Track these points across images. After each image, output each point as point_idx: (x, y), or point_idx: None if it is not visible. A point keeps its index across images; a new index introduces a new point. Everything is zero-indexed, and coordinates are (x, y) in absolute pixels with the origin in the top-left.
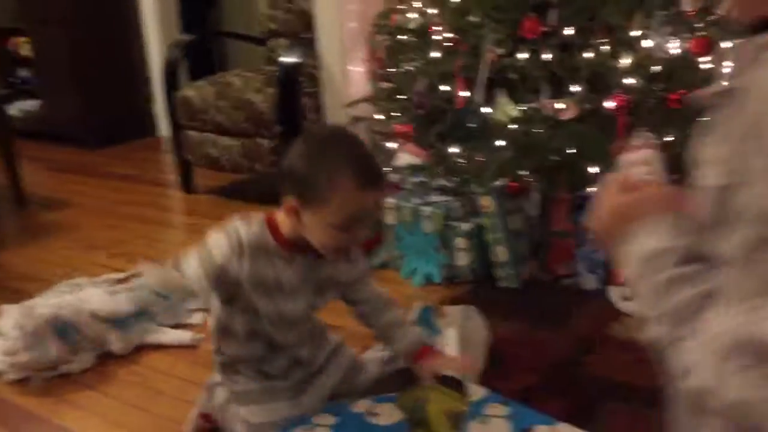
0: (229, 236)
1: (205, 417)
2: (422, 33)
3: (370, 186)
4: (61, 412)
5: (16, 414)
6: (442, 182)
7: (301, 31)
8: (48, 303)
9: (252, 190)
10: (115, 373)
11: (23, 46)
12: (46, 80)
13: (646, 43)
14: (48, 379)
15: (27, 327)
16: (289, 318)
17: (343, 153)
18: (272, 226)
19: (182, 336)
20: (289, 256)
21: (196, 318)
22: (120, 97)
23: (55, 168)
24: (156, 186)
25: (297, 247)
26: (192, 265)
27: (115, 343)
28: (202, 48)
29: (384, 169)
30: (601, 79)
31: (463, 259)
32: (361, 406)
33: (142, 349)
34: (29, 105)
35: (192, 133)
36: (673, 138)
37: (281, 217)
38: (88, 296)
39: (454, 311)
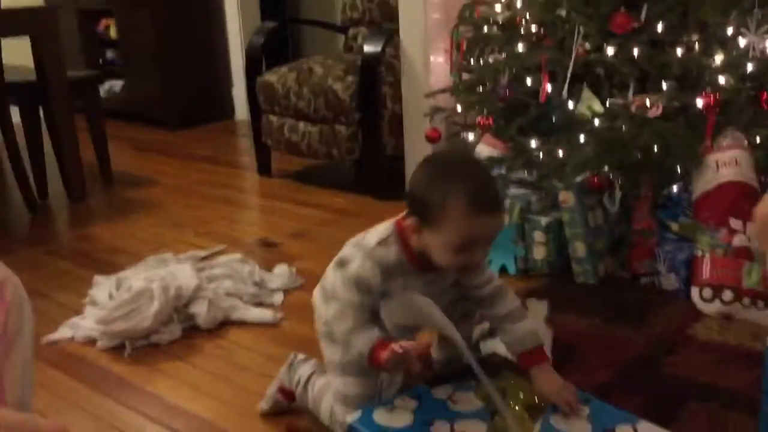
0: (373, 263)
1: (285, 392)
2: (508, 26)
3: (484, 211)
4: (153, 380)
5: (110, 380)
6: (521, 175)
7: (382, 20)
8: (140, 276)
9: (327, 176)
10: (201, 346)
11: (111, 28)
12: (130, 62)
13: (740, 42)
14: (138, 349)
15: (122, 297)
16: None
17: (459, 176)
18: (404, 241)
19: (265, 314)
20: (418, 270)
21: (277, 298)
22: (200, 81)
23: (138, 147)
24: (234, 168)
25: (425, 262)
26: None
27: (202, 317)
28: (279, 35)
29: (502, 197)
30: (690, 77)
31: (540, 253)
32: (441, 392)
33: (226, 324)
34: (113, 85)
35: (272, 117)
36: (762, 138)
37: (410, 231)
38: (177, 271)
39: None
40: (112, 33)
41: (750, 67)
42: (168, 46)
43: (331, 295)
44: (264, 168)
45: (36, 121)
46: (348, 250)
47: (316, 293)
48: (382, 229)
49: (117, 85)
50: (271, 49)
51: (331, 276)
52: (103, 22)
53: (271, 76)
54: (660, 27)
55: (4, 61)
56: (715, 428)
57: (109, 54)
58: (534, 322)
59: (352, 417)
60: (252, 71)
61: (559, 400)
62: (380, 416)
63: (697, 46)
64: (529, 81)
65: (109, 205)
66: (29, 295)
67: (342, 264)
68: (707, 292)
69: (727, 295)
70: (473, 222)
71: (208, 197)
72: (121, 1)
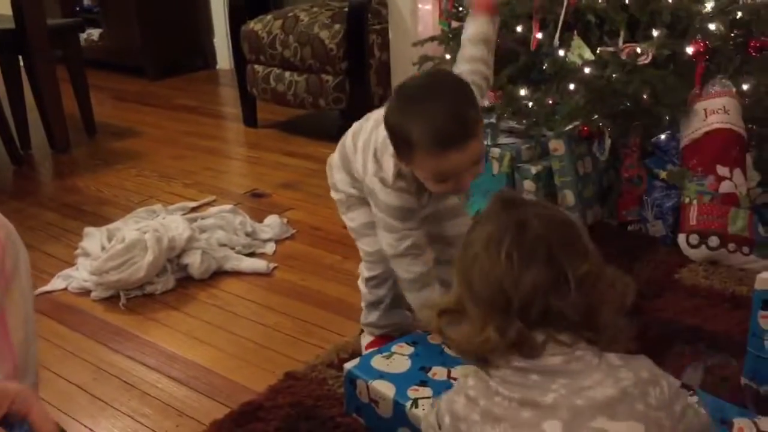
0: (398, 194)
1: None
2: None
3: (449, 147)
4: (149, 329)
5: (107, 329)
6: (512, 124)
7: None
8: (132, 227)
9: (313, 126)
10: (195, 295)
11: None
12: (108, 9)
13: None
14: (133, 299)
15: (115, 248)
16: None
17: (420, 113)
18: None
19: (258, 264)
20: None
21: (269, 248)
22: (180, 29)
23: (119, 97)
24: (218, 118)
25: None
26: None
27: (195, 267)
28: None
29: (472, 120)
30: (680, 24)
31: None
32: (437, 337)
33: (219, 275)
34: (91, 34)
35: (257, 67)
36: (750, 86)
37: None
38: (170, 222)
39: None
40: None
41: (739, 14)
42: None
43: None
44: (249, 118)
45: (16, 71)
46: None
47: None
48: (390, 162)
49: (95, 33)
50: None
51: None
52: None
53: (255, 25)
54: None
55: None
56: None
57: (86, 1)
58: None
59: (350, 364)
60: (236, 19)
61: None
62: (378, 363)
63: None
64: (519, 29)
65: (93, 156)
66: None
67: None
68: (694, 239)
69: (714, 241)
70: (441, 159)
71: (193, 148)
72: None
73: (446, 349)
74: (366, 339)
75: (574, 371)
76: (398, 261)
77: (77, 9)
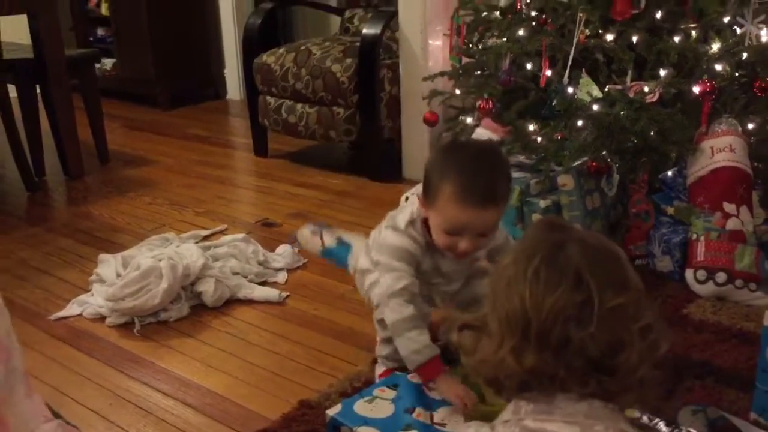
0: (409, 238)
1: None
2: (509, 11)
3: (469, 204)
4: (163, 356)
5: (122, 356)
6: (521, 159)
7: (379, 2)
8: (147, 254)
9: (323, 157)
10: (209, 323)
11: (102, 5)
12: (121, 39)
13: (737, 30)
14: (147, 326)
15: (131, 275)
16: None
17: (460, 164)
18: (426, 221)
19: (270, 293)
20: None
21: (281, 277)
22: (192, 60)
23: (132, 126)
24: (229, 148)
25: None
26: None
27: (209, 295)
28: (272, 16)
29: (501, 193)
30: (687, 64)
31: None
32: (417, 377)
33: (232, 302)
34: (104, 63)
35: (269, 98)
36: (755, 125)
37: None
38: (184, 250)
39: None
40: (104, 10)
41: (745, 55)
42: (160, 24)
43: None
44: (260, 148)
45: (33, 99)
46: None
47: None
48: (408, 211)
49: (108, 63)
50: (264, 30)
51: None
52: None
53: (268, 57)
54: (659, 14)
55: (1, 39)
56: (711, 403)
57: (100, 31)
58: None
59: (333, 411)
60: (249, 51)
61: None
62: (361, 408)
63: (694, 33)
64: (529, 66)
65: (106, 184)
66: (33, 273)
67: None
68: (701, 274)
69: (721, 277)
70: (458, 210)
71: (205, 177)
72: None
73: (428, 392)
74: (380, 369)
75: None
76: (392, 301)
77: (91, 39)
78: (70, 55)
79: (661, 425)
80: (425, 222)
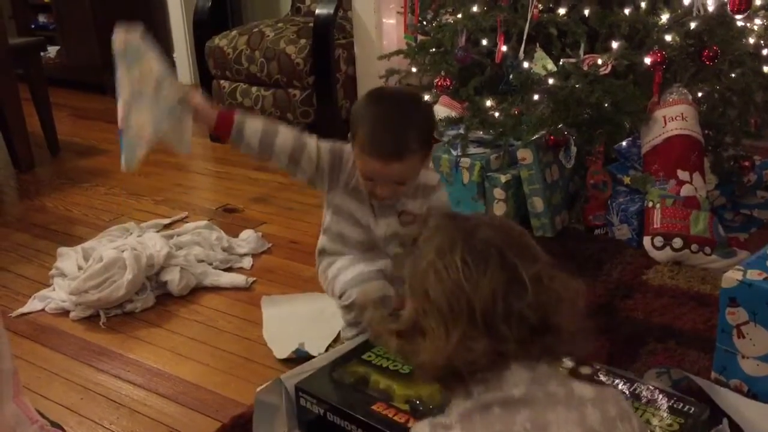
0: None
1: None
2: None
3: (374, 156)
4: (132, 347)
5: (89, 349)
6: (480, 134)
7: None
8: (108, 246)
9: None
10: (176, 312)
11: None
12: (65, 26)
13: (685, 0)
14: (113, 318)
15: (94, 268)
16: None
17: (372, 115)
18: None
19: (237, 279)
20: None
21: (247, 262)
22: None
23: (80, 115)
24: None
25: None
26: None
27: (175, 284)
28: None
29: (410, 148)
30: (638, 36)
31: (500, 209)
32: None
33: (198, 290)
34: (48, 51)
35: (222, 82)
36: (704, 93)
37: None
38: (147, 239)
39: None
40: None
41: (693, 25)
42: (104, 9)
43: None
44: None
45: None
46: None
47: None
48: None
49: (52, 50)
50: (214, 12)
51: None
52: None
53: (221, 41)
54: None
55: None
56: (674, 365)
57: (41, 18)
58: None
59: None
60: (200, 35)
61: None
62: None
63: (643, 5)
64: (484, 42)
65: (58, 175)
66: None
67: None
68: (658, 241)
69: (677, 242)
70: (365, 161)
71: (160, 164)
72: None
73: None
74: None
75: (537, 401)
76: None
77: (32, 26)
78: (14, 43)
79: (619, 383)
80: None
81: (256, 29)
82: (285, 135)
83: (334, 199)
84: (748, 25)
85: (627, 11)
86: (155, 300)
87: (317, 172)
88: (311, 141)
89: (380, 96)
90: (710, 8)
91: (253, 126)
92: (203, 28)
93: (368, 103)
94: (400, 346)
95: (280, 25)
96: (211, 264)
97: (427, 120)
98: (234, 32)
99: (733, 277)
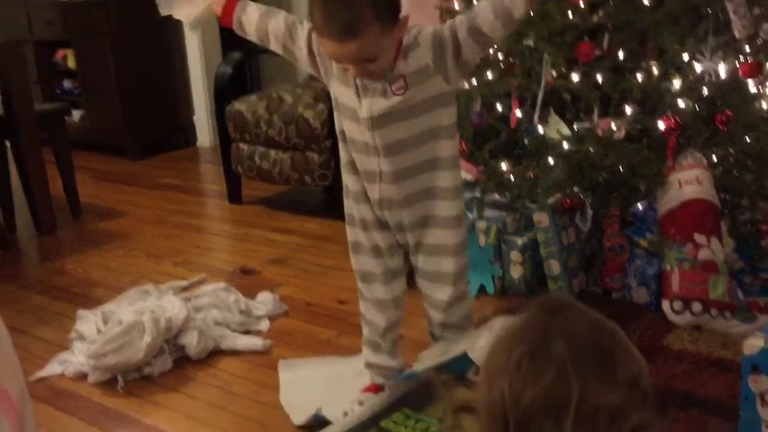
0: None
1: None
2: None
3: (327, 36)
4: (150, 412)
5: (107, 414)
6: (495, 197)
7: None
8: (127, 309)
9: (298, 201)
10: (194, 376)
11: (69, 58)
12: (88, 91)
13: (696, 67)
14: (130, 382)
15: (113, 331)
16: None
17: None
18: None
19: (254, 342)
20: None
21: (264, 325)
22: (160, 109)
23: (102, 178)
24: (203, 196)
25: None
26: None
27: (192, 348)
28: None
29: (363, 22)
30: (651, 101)
31: (517, 272)
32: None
33: (216, 353)
34: (72, 115)
35: (242, 145)
36: (719, 157)
37: None
38: (165, 302)
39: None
40: (70, 63)
41: (705, 90)
42: (128, 74)
43: None
44: (235, 195)
45: (3, 155)
46: None
47: None
48: None
49: (76, 114)
50: (234, 77)
51: None
52: (60, 52)
53: (240, 105)
54: (621, 54)
55: None
56: None
57: (66, 84)
58: None
59: None
60: (220, 99)
61: None
62: None
63: (656, 71)
64: (499, 107)
65: (79, 238)
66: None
67: None
68: (678, 305)
69: (696, 306)
70: (324, 42)
71: (180, 226)
72: (80, 31)
73: None
74: (364, 380)
75: None
76: None
77: (57, 92)
78: (40, 109)
79: None
80: None
81: (274, 94)
82: (277, 24)
83: (333, 92)
84: (761, 89)
85: (639, 77)
86: (173, 363)
87: (310, 58)
88: (302, 29)
89: None
90: (722, 75)
91: (251, 18)
92: (224, 92)
93: None
94: (455, 420)
95: (298, 90)
96: (228, 326)
97: None
98: (253, 97)
99: (754, 344)
